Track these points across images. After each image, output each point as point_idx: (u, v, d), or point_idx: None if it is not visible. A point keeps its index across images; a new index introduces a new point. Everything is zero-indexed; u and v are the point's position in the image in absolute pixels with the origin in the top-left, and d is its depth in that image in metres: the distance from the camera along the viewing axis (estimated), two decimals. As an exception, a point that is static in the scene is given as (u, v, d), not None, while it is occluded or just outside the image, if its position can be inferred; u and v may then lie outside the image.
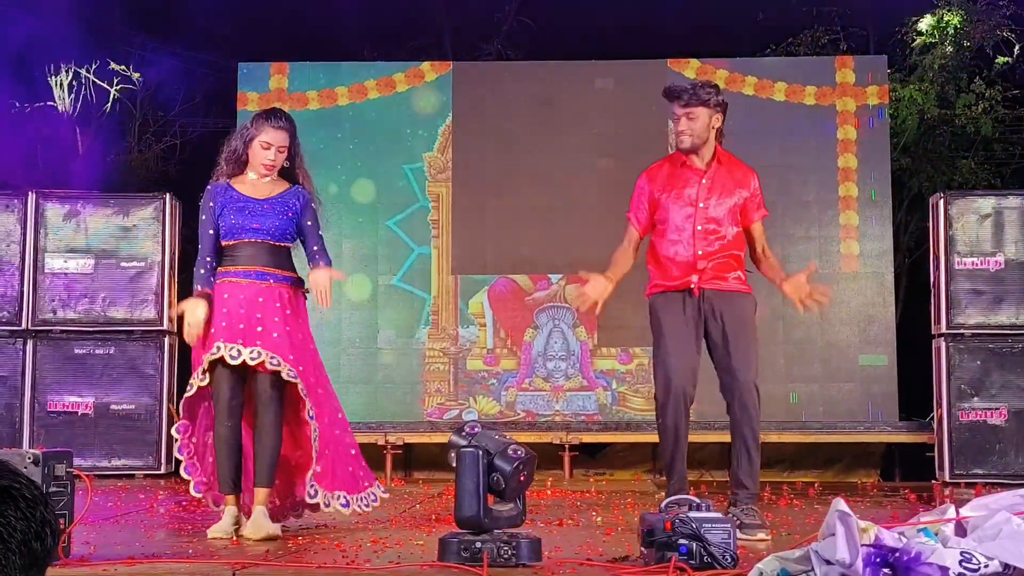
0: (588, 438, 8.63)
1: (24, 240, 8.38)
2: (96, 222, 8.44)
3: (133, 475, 8.14)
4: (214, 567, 3.70)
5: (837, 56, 10.03)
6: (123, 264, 8.42)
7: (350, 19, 11.82)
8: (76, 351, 8.33)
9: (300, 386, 4.82)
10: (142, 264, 8.41)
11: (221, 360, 4.81)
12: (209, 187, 5.10)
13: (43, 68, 11.24)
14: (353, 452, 5.13)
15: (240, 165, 5.08)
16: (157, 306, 8.37)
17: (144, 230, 8.45)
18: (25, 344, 8.30)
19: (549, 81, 9.58)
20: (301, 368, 4.88)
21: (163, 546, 4.44)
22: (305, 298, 5.12)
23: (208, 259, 5.02)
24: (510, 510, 3.75)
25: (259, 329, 4.86)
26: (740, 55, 9.90)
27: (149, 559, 3.93)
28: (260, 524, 4.71)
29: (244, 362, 4.79)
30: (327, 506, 4.93)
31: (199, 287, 4.97)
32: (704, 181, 5.02)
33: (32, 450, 3.65)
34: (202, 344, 4.92)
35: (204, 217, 5.06)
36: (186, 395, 4.88)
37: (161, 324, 8.35)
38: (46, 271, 8.38)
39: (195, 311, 4.88)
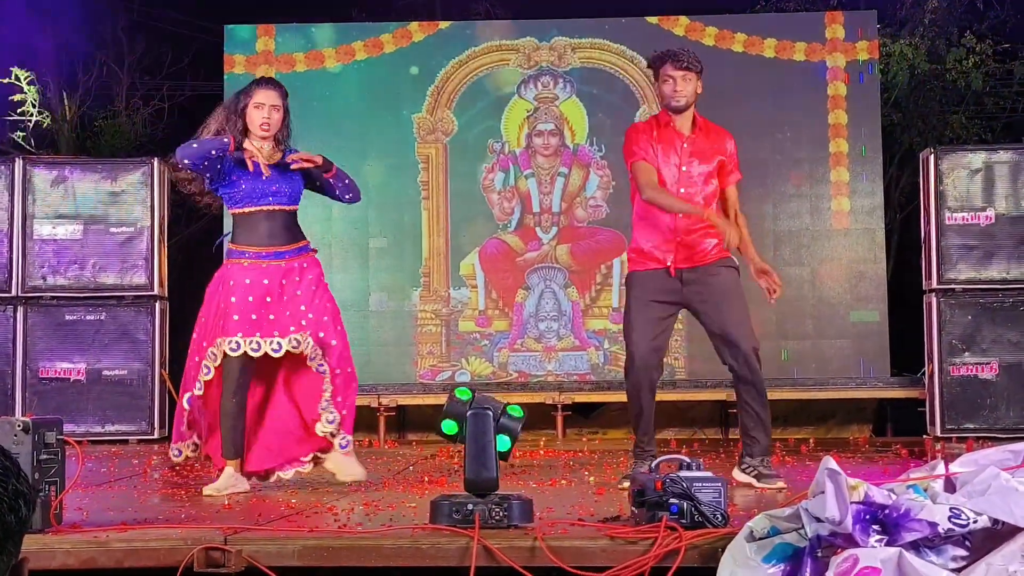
0: (581, 398, 8.64)
1: (12, 207, 8.32)
2: (84, 187, 8.39)
3: (127, 440, 8.15)
4: (206, 532, 3.70)
5: (827, 11, 9.96)
6: (112, 229, 8.37)
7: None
8: (67, 317, 8.30)
9: (325, 370, 5.09)
10: (131, 229, 8.37)
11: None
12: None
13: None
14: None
15: (240, 135, 5.09)
16: (147, 271, 8.33)
17: (133, 195, 8.40)
18: (15, 311, 8.27)
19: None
20: (330, 342, 5.10)
21: (156, 511, 4.46)
22: (318, 261, 5.25)
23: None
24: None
25: (284, 313, 5.03)
26: (729, 11, 9.84)
27: (142, 525, 3.93)
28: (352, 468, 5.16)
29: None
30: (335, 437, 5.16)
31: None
32: (685, 145, 5.13)
33: (21, 417, 3.64)
34: (216, 328, 5.03)
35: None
36: (195, 393, 5.05)
37: (152, 289, 8.32)
38: (35, 237, 8.34)
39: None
